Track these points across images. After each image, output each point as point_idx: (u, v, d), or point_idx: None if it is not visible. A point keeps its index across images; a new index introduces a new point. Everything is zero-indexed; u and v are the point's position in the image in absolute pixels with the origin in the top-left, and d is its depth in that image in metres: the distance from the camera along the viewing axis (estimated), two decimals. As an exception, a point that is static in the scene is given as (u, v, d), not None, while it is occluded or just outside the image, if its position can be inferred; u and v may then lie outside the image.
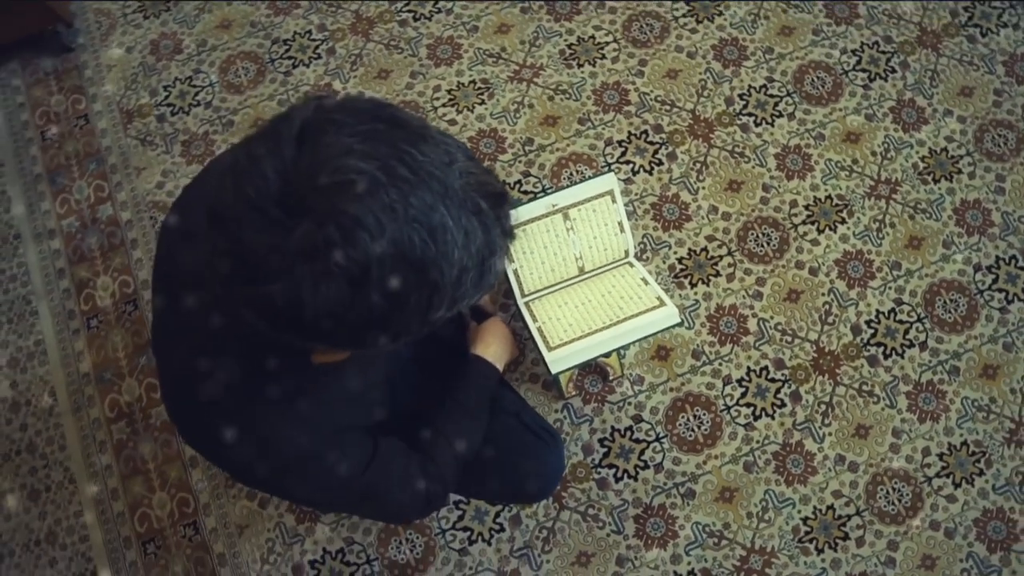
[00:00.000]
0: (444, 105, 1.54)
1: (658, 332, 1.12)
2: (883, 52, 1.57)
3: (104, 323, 1.43)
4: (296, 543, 1.28)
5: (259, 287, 0.49)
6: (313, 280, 0.47)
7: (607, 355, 1.24)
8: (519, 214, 1.16)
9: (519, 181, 1.48)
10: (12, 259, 1.48)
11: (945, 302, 1.39)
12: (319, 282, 0.47)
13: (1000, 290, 1.39)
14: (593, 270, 1.23)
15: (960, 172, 1.47)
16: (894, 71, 1.55)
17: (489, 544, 1.27)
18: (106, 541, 1.31)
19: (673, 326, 1.12)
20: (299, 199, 0.47)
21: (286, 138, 0.48)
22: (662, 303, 1.11)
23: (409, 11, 1.63)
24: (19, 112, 1.59)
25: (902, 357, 1.36)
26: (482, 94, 1.55)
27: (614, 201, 1.19)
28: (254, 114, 1.55)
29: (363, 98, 0.52)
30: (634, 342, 1.31)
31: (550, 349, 1.10)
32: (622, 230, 1.21)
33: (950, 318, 1.38)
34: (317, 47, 1.61)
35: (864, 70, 1.55)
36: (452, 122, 1.53)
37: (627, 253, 1.23)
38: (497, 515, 1.28)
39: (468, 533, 1.27)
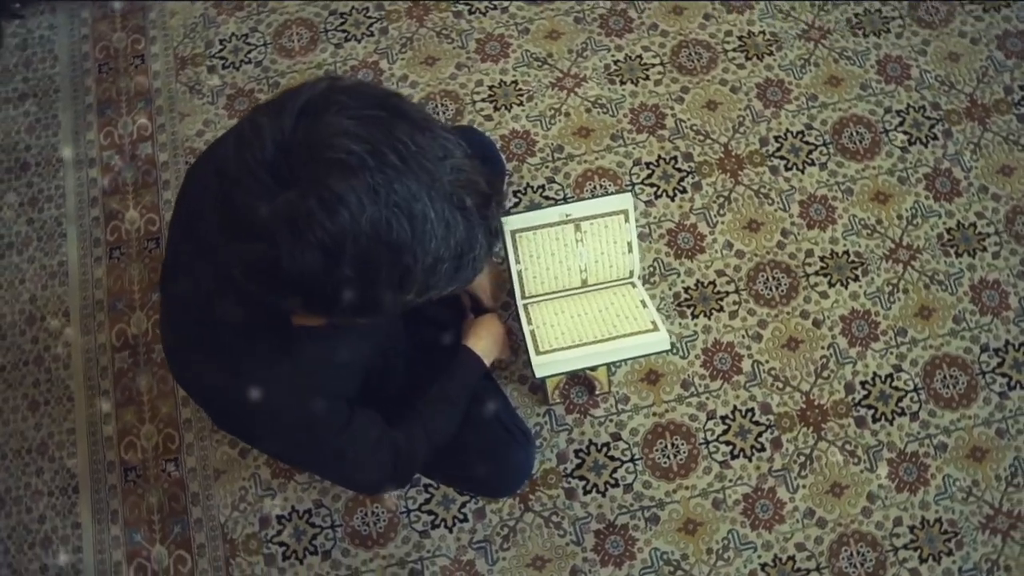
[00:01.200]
0: (483, 100, 1.57)
1: (646, 355, 1.13)
2: (928, 117, 1.55)
3: (126, 255, 1.49)
4: (268, 496, 1.32)
5: (244, 244, 0.52)
6: (291, 245, 0.50)
7: (595, 369, 1.26)
8: (532, 218, 1.19)
9: (542, 186, 1.51)
10: (52, 181, 1.55)
11: (945, 377, 1.37)
12: (295, 248, 0.50)
13: (1004, 375, 1.37)
14: (595, 284, 1.24)
15: (985, 250, 1.45)
16: (936, 138, 1.54)
17: (450, 531, 1.29)
18: (91, 461, 1.37)
19: (662, 352, 1.13)
20: (290, 169, 0.50)
21: (289, 111, 0.51)
22: (655, 328, 1.12)
23: (466, 3, 1.66)
24: (82, 44, 1.66)
25: (891, 424, 1.35)
26: (521, 95, 1.57)
27: (627, 221, 1.20)
28: (300, 80, 1.59)
29: (374, 85, 0.55)
30: (621, 361, 1.33)
31: (538, 353, 1.12)
32: (630, 250, 1.22)
33: (947, 394, 1.36)
34: (371, 24, 1.65)
35: (906, 132, 1.54)
36: (488, 118, 1.56)
37: (632, 273, 1.24)
38: (463, 505, 1.31)
39: (432, 517, 1.30)
